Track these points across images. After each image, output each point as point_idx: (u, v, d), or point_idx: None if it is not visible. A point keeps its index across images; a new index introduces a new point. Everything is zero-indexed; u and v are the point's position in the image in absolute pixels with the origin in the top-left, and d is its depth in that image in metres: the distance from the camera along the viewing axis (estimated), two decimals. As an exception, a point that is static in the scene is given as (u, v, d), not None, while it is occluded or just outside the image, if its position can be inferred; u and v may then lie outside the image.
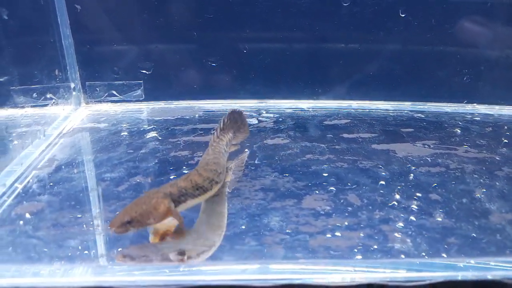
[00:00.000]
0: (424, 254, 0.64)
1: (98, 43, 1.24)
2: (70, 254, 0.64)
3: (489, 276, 0.60)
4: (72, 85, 1.21)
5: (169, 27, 1.24)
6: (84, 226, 0.71)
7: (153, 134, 1.07)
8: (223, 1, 1.22)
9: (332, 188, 0.81)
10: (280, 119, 1.18)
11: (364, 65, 1.29)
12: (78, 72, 1.21)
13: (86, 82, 1.24)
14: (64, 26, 1.16)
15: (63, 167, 0.91)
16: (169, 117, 1.18)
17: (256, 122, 1.16)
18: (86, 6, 1.21)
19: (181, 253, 0.63)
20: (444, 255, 0.64)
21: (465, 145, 1.00)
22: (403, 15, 1.21)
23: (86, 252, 0.65)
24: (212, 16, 1.23)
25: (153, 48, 1.26)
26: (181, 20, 1.24)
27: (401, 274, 0.60)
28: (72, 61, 1.20)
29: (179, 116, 1.19)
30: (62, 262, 0.62)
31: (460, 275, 0.60)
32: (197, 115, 1.21)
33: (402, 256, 0.64)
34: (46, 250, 0.65)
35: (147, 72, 1.26)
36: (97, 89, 1.25)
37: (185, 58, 1.28)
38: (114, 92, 1.26)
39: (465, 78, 1.24)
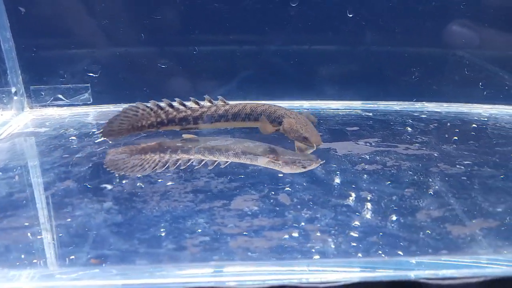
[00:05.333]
0: (341, 253, 0.63)
1: (43, 46, 1.21)
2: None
3: (405, 275, 0.60)
4: (14, 89, 1.18)
5: (115, 29, 1.22)
6: (20, 232, 0.69)
7: (93, 137, 1.05)
8: (170, 3, 1.21)
9: (265, 188, 0.81)
10: (228, 121, 1.17)
11: (315, 65, 1.29)
12: (20, 76, 1.19)
13: (30, 86, 1.21)
14: (3, 29, 1.13)
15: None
16: (115, 120, 1.16)
17: (203, 123, 1.15)
18: (30, 9, 1.19)
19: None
20: (360, 254, 0.63)
21: (407, 142, 1.01)
22: (350, 15, 1.21)
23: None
24: (159, 17, 1.22)
25: (100, 51, 1.24)
26: (128, 22, 1.22)
27: (316, 275, 0.59)
28: (13, 65, 1.17)
29: (125, 119, 1.17)
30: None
31: (376, 275, 0.60)
32: (145, 118, 1.19)
33: (318, 256, 0.63)
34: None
35: (95, 75, 1.24)
36: (42, 93, 1.22)
37: (134, 60, 1.26)
38: (60, 96, 1.23)
39: (413, 77, 1.25)
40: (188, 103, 1.04)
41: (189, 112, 1.03)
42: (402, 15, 1.22)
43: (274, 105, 1.02)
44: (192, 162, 0.90)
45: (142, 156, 0.93)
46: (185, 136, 1.03)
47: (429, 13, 1.22)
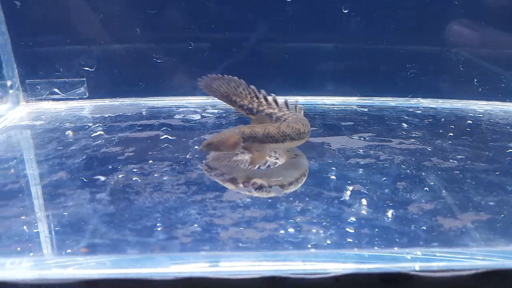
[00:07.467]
0: (334, 245, 0.63)
1: (39, 41, 1.21)
2: None
3: (396, 268, 0.60)
4: (9, 83, 1.18)
5: (111, 23, 1.22)
6: (11, 222, 0.69)
7: (89, 131, 1.05)
8: (166, -3, 1.21)
9: (258, 181, 0.81)
10: (224, 115, 1.17)
11: (311, 61, 1.29)
12: (16, 70, 1.19)
13: (26, 80, 1.21)
14: (-2, 23, 1.14)
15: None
16: (110, 114, 1.16)
17: (199, 117, 1.15)
18: (26, 3, 1.19)
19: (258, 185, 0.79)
20: (353, 247, 0.63)
21: (401, 137, 1.01)
22: (345, 11, 1.21)
23: None
24: (155, 12, 1.22)
25: (96, 45, 1.24)
26: (123, 16, 1.22)
27: (304, 267, 0.59)
28: (9, 58, 1.17)
29: (120, 113, 1.17)
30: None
31: (367, 267, 0.60)
32: (140, 112, 1.19)
33: (311, 248, 0.63)
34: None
35: (90, 70, 1.24)
36: (38, 87, 1.22)
37: (130, 54, 1.26)
38: (56, 90, 1.23)
39: (408, 73, 1.25)
40: (280, 102, 1.03)
41: (276, 110, 1.02)
42: (397, 11, 1.22)
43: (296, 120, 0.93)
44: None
45: (234, 158, 0.91)
46: None
47: (424, 10, 1.22)
